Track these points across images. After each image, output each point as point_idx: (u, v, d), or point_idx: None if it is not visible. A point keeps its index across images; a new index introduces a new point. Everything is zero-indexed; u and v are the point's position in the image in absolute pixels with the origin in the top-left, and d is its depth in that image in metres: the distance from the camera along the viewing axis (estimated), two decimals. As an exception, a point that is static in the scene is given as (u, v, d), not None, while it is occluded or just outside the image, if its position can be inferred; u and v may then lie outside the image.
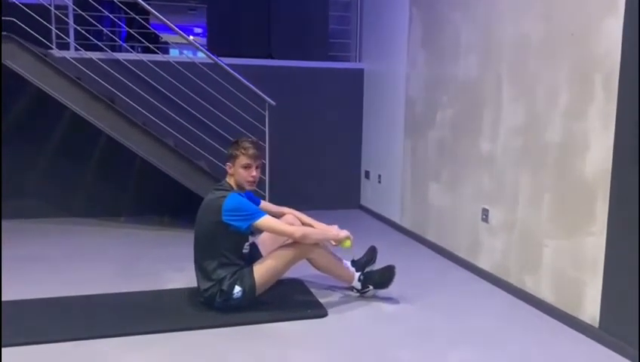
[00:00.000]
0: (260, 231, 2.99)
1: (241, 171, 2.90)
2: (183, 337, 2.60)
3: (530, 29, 3.11)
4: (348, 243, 3.00)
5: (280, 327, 2.75)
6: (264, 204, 3.24)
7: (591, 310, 2.69)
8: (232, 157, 2.91)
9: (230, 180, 2.96)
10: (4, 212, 4.86)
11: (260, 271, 2.88)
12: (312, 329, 2.75)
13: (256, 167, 2.94)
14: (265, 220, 2.84)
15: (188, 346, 2.52)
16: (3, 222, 4.74)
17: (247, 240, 2.98)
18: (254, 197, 3.15)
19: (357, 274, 3.16)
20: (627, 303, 2.47)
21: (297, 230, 2.91)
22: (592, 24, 2.66)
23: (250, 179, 2.91)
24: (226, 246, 2.87)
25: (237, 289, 2.83)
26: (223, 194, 2.84)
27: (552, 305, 2.95)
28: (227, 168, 2.95)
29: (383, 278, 3.11)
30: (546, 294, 3.00)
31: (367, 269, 3.24)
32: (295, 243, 2.93)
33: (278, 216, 3.16)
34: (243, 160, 2.89)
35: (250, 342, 2.59)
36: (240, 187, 2.95)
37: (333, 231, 3.07)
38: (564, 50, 2.85)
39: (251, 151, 2.90)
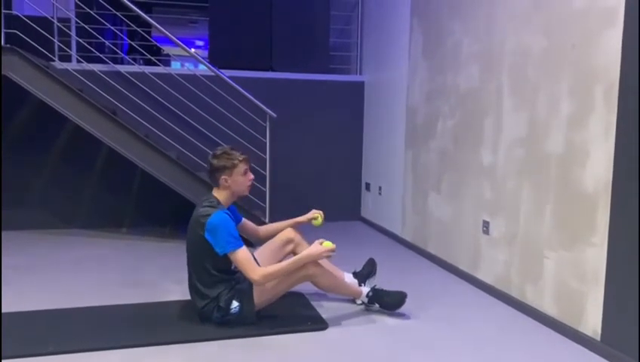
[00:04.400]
0: None
1: (241, 178, 2.86)
2: (181, 350, 2.59)
3: (531, 40, 3.12)
4: (319, 220, 2.92)
5: (280, 340, 2.73)
6: (264, 226, 3.25)
7: (592, 322, 2.67)
8: (228, 169, 2.82)
9: (220, 194, 2.87)
10: (6, 223, 4.86)
11: (260, 289, 2.80)
12: (312, 341, 2.73)
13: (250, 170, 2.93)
14: (238, 253, 2.70)
15: (187, 359, 2.50)
16: (4, 233, 4.74)
17: None
18: (237, 214, 3.09)
19: (365, 290, 3.12)
20: (629, 315, 2.45)
21: (258, 274, 2.69)
22: (592, 35, 2.67)
23: (249, 183, 2.91)
24: (213, 265, 2.79)
25: (235, 304, 2.80)
26: (208, 212, 2.75)
27: (554, 317, 2.93)
28: (222, 181, 2.83)
29: (394, 301, 3.04)
30: (548, 306, 2.99)
31: (374, 284, 3.20)
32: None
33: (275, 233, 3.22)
34: (242, 166, 2.85)
35: (249, 354, 2.57)
36: (234, 197, 2.90)
37: (306, 253, 2.81)
38: (564, 61, 2.86)
39: (244, 156, 2.88)
